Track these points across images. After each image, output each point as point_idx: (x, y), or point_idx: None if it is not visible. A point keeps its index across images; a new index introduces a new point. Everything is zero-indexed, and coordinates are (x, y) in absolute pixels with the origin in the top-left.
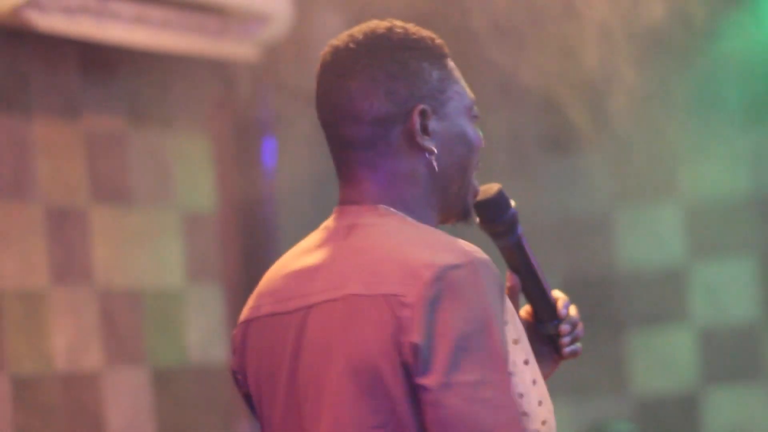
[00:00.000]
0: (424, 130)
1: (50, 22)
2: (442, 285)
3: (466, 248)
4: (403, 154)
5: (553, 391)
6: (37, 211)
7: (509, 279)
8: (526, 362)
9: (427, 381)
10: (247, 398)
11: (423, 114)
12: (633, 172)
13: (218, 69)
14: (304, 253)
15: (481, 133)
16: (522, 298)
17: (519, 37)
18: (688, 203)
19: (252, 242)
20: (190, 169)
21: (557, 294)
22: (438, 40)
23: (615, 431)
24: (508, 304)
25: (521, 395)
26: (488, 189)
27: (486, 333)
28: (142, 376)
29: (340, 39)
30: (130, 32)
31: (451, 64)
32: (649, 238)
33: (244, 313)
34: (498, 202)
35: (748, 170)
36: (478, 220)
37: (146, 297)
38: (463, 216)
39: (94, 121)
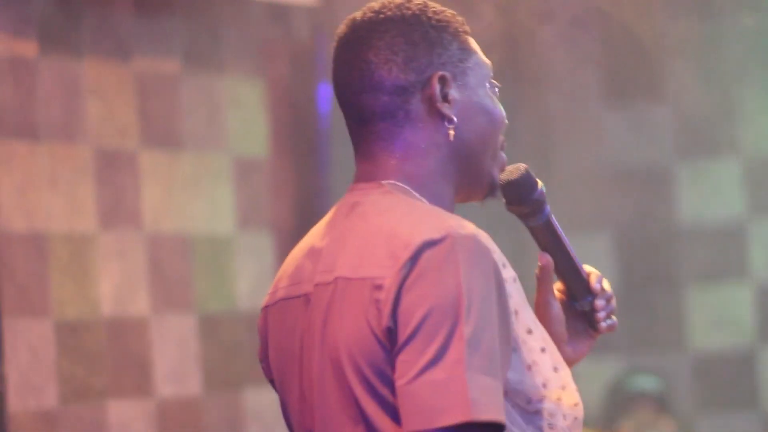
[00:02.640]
0: (444, 97)
1: None
2: (415, 264)
3: (450, 222)
4: (422, 124)
5: (610, 346)
6: (86, 153)
7: (541, 259)
8: (542, 350)
9: (395, 359)
10: (273, 385)
11: (443, 80)
12: (694, 127)
13: (274, 11)
14: (317, 233)
15: (503, 109)
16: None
17: None
18: (748, 159)
19: (305, 189)
20: (243, 113)
21: (589, 269)
22: (459, 18)
23: (636, 387)
24: (516, 292)
25: (544, 384)
26: (514, 169)
27: (452, 311)
28: (189, 322)
29: (357, 13)
30: None
31: (471, 40)
32: (708, 193)
33: (266, 297)
34: (524, 182)
35: None
36: (504, 201)
37: (196, 243)
38: (490, 192)
39: (145, 63)
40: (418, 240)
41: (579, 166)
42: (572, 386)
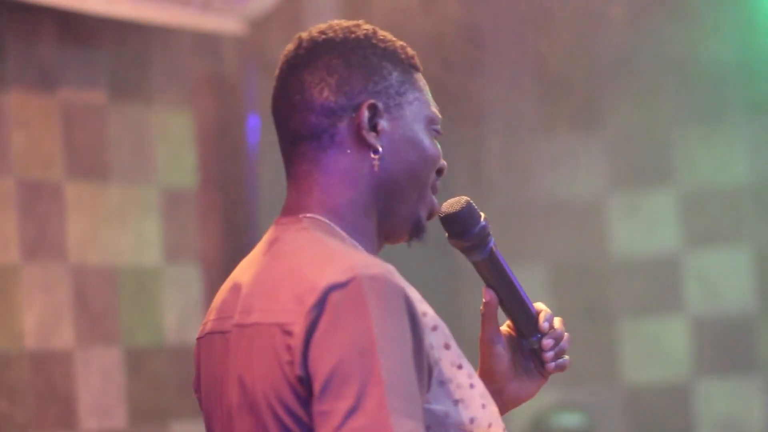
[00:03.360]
0: (373, 126)
1: None
2: (321, 309)
3: (356, 262)
4: (347, 150)
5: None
6: (10, 184)
7: (485, 294)
8: (471, 386)
9: (312, 411)
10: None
11: (373, 109)
12: (628, 158)
13: (203, 43)
14: (242, 267)
15: (439, 149)
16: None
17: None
18: (682, 190)
19: (233, 221)
20: (171, 145)
21: (539, 307)
22: (409, 50)
23: (560, 425)
24: (441, 327)
25: (471, 420)
26: (455, 202)
27: (365, 356)
28: (115, 356)
29: (304, 33)
30: (111, 2)
31: (418, 76)
32: (642, 225)
33: (200, 328)
34: (465, 215)
35: (746, 158)
36: (446, 235)
37: (122, 275)
38: (415, 233)
39: (71, 93)
40: (323, 283)
41: (513, 198)
42: (500, 424)
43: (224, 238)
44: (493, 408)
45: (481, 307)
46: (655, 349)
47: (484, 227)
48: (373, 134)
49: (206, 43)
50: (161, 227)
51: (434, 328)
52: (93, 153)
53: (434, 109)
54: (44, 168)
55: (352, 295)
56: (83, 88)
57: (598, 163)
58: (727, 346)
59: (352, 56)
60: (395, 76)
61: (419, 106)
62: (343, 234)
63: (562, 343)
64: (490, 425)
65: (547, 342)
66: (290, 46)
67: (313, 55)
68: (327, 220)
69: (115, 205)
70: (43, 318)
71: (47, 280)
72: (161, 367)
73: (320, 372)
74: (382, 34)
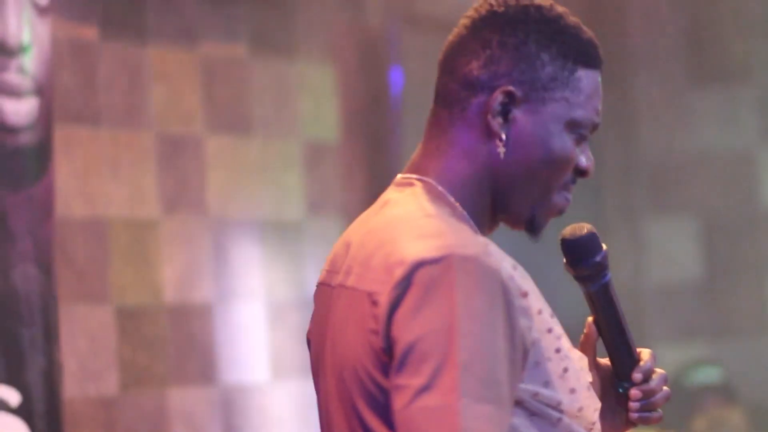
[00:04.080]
0: (504, 113)
1: None
2: (408, 283)
3: (452, 241)
4: (474, 128)
5: (693, 331)
6: (149, 139)
7: (587, 326)
8: (565, 370)
9: (390, 383)
10: None
11: (509, 96)
12: None
13: None
14: (357, 223)
15: (585, 159)
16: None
17: None
18: None
19: (376, 174)
20: (313, 98)
21: (644, 355)
22: (586, 45)
23: (699, 381)
24: (544, 310)
25: (559, 403)
26: (578, 229)
27: (445, 335)
28: (256, 309)
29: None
30: None
31: (582, 74)
32: None
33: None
34: (586, 243)
35: None
36: (564, 260)
37: (264, 228)
38: (529, 229)
39: (212, 47)
40: (413, 258)
41: (662, 151)
42: (590, 408)
43: (367, 191)
44: (585, 394)
45: (581, 336)
46: None
47: (604, 257)
48: (499, 120)
49: None
50: (304, 180)
51: (539, 311)
52: (234, 107)
53: (586, 112)
54: (185, 123)
55: (442, 273)
56: (224, 42)
57: (748, 116)
58: None
59: (511, 37)
60: (549, 70)
61: (565, 107)
62: (455, 204)
63: (655, 398)
64: (580, 409)
65: (635, 393)
66: (471, 10)
67: (479, 23)
68: (441, 188)
69: (256, 159)
70: (182, 272)
71: (187, 234)
72: (301, 320)
73: (400, 346)
74: (562, 21)
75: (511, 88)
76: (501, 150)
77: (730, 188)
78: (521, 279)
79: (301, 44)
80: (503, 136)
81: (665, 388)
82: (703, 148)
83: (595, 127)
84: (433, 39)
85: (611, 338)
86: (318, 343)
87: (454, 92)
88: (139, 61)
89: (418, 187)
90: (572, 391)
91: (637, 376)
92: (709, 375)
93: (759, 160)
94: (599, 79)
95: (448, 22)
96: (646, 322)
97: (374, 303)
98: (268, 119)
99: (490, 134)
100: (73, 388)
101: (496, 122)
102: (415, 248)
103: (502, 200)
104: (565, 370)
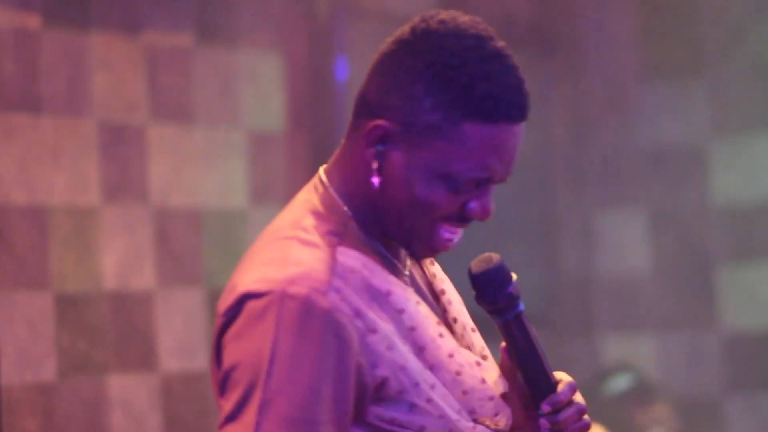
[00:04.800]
0: (377, 144)
1: None
2: (235, 313)
3: (285, 275)
4: (360, 148)
5: (640, 324)
6: (91, 127)
7: (501, 357)
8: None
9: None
10: None
11: (383, 130)
12: (730, 104)
13: None
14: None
15: (475, 205)
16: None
17: None
18: None
19: (320, 163)
20: (258, 87)
21: (561, 386)
22: (489, 96)
23: (613, 390)
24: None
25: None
26: (486, 259)
27: (254, 370)
28: (197, 297)
29: (414, 21)
30: None
31: (473, 128)
32: (744, 172)
33: None
34: (495, 276)
35: None
36: (474, 294)
37: (206, 217)
38: (411, 255)
39: (157, 36)
40: (242, 288)
41: (614, 144)
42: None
43: (311, 179)
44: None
45: (500, 360)
46: (754, 297)
47: (514, 289)
48: (372, 151)
49: None
50: (247, 170)
51: (404, 338)
52: (178, 96)
53: (466, 166)
54: (127, 111)
55: (265, 309)
56: (168, 30)
57: (699, 110)
58: None
59: (405, 73)
60: (429, 118)
61: (439, 158)
62: (348, 216)
63: (567, 429)
64: (472, 411)
65: (543, 422)
66: (409, 23)
67: (393, 46)
68: (338, 197)
69: (199, 148)
70: (123, 259)
71: (128, 222)
72: None
73: (222, 369)
74: (465, 68)
75: (385, 123)
76: (374, 180)
77: (680, 182)
78: (379, 311)
79: (247, 33)
80: (374, 166)
81: (585, 417)
82: (653, 142)
83: (484, 181)
84: (380, 29)
85: (526, 368)
86: None
87: (357, 106)
88: (82, 49)
89: (318, 194)
90: (465, 393)
91: (544, 407)
92: (622, 382)
93: (709, 155)
94: (501, 133)
95: (394, 13)
96: (595, 314)
97: (217, 317)
98: (212, 108)
99: (365, 162)
100: (11, 375)
101: (369, 152)
102: (249, 277)
103: (383, 224)
104: (458, 373)
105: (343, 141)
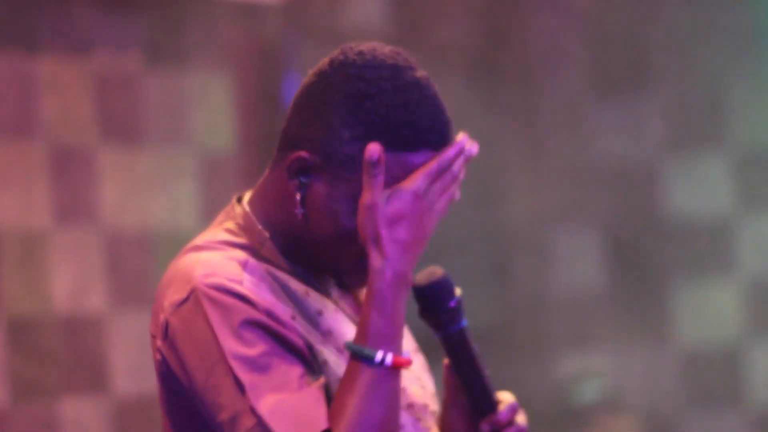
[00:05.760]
0: (299, 175)
1: None
2: (169, 329)
3: (197, 272)
4: (283, 179)
5: (593, 340)
6: (41, 150)
7: (443, 370)
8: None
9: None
10: None
11: (303, 161)
12: (682, 121)
13: (241, 7)
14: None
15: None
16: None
17: None
18: (737, 153)
19: None
20: (208, 110)
21: (503, 404)
22: (406, 125)
23: (583, 398)
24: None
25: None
26: (430, 273)
27: (220, 366)
28: (149, 320)
29: (337, 52)
30: None
31: (391, 157)
32: (697, 188)
33: None
34: (438, 290)
35: None
36: (418, 307)
37: (157, 240)
38: (339, 285)
39: (105, 59)
40: (170, 299)
41: (567, 162)
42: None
43: None
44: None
45: (442, 381)
46: (709, 313)
47: (458, 304)
48: (296, 182)
49: (244, 7)
50: (198, 191)
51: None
52: (128, 119)
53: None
54: (77, 134)
55: (192, 307)
56: (117, 53)
57: (652, 127)
58: None
59: (323, 105)
60: (347, 149)
61: (361, 189)
62: (265, 236)
63: None
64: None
65: None
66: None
67: (313, 78)
68: (256, 219)
69: (149, 171)
70: (74, 283)
71: (79, 245)
72: None
73: (190, 387)
74: (380, 98)
75: (305, 155)
76: (298, 211)
77: (634, 199)
78: (294, 311)
79: (196, 55)
80: (297, 198)
81: None
82: (606, 160)
83: None
84: (330, 49)
85: (468, 385)
86: None
87: (281, 139)
88: (31, 72)
89: (231, 218)
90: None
91: (484, 427)
92: (595, 388)
93: (663, 172)
94: (422, 160)
95: (344, 33)
96: (549, 331)
97: (154, 338)
98: (162, 130)
99: (289, 193)
100: None
101: (293, 183)
102: (174, 290)
103: (304, 253)
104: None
105: (266, 173)
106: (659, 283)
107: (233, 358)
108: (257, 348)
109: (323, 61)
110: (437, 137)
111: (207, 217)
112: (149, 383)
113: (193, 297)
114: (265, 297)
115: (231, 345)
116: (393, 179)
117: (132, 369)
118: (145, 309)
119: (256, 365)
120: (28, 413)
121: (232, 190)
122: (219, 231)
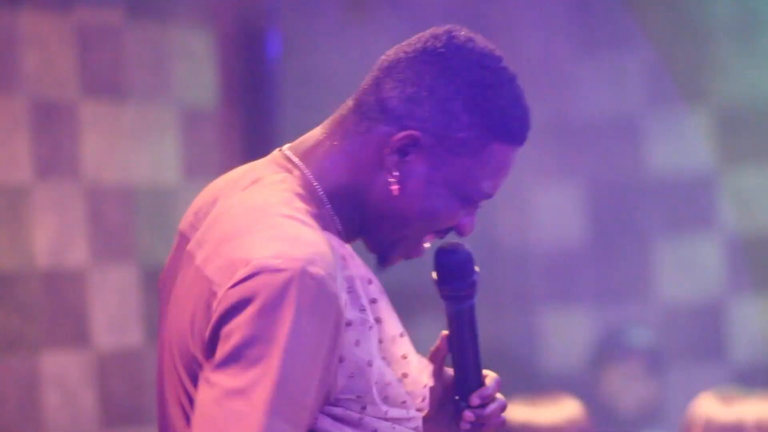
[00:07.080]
0: (403, 153)
1: None
2: (247, 287)
3: (301, 253)
4: (369, 150)
5: (576, 296)
6: (22, 104)
7: (439, 340)
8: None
9: (201, 373)
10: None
11: (413, 140)
12: (665, 76)
13: None
14: (230, 182)
15: (467, 222)
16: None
17: None
18: (720, 109)
19: (253, 139)
20: (190, 63)
21: (489, 380)
22: (517, 119)
23: (627, 341)
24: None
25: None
26: (456, 246)
27: (271, 349)
28: (131, 274)
29: (453, 29)
30: None
31: (497, 148)
32: (679, 143)
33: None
34: (464, 263)
35: None
36: (435, 276)
37: (139, 194)
38: (379, 260)
39: (86, 13)
40: (258, 262)
41: (549, 116)
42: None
43: (244, 156)
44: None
45: (432, 348)
46: (690, 268)
47: (475, 279)
48: (394, 159)
49: None
50: (179, 146)
51: (370, 327)
52: (109, 72)
53: (484, 185)
54: (59, 88)
55: (281, 285)
56: (98, 7)
57: (635, 82)
58: (761, 265)
59: (441, 86)
60: (462, 135)
61: (464, 175)
62: (326, 203)
63: (487, 424)
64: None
65: (469, 415)
66: (424, 33)
67: (420, 55)
68: (317, 183)
69: (131, 125)
70: (56, 237)
71: (61, 199)
72: None
73: (226, 345)
74: (500, 89)
75: (418, 134)
76: (394, 186)
77: (616, 154)
78: (357, 300)
79: (177, 9)
80: (394, 173)
81: (503, 415)
82: (588, 114)
83: (488, 197)
84: (313, 3)
85: (462, 360)
86: (165, 294)
87: (369, 107)
88: (12, 26)
89: (294, 177)
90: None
91: (474, 400)
92: (638, 337)
93: (645, 126)
94: (514, 154)
95: None
96: (531, 286)
97: (213, 293)
98: (144, 84)
99: (382, 166)
100: None
101: (391, 159)
102: (262, 251)
103: (368, 225)
104: (404, 375)
105: (325, 131)
106: (641, 239)
107: (285, 363)
108: (309, 369)
109: (425, 38)
110: (527, 135)
111: (189, 171)
112: (130, 337)
113: (289, 274)
114: (344, 297)
115: (293, 346)
116: (492, 170)
117: (113, 322)
118: (126, 263)
119: (297, 383)
120: (10, 366)
121: (214, 145)
122: (292, 196)
